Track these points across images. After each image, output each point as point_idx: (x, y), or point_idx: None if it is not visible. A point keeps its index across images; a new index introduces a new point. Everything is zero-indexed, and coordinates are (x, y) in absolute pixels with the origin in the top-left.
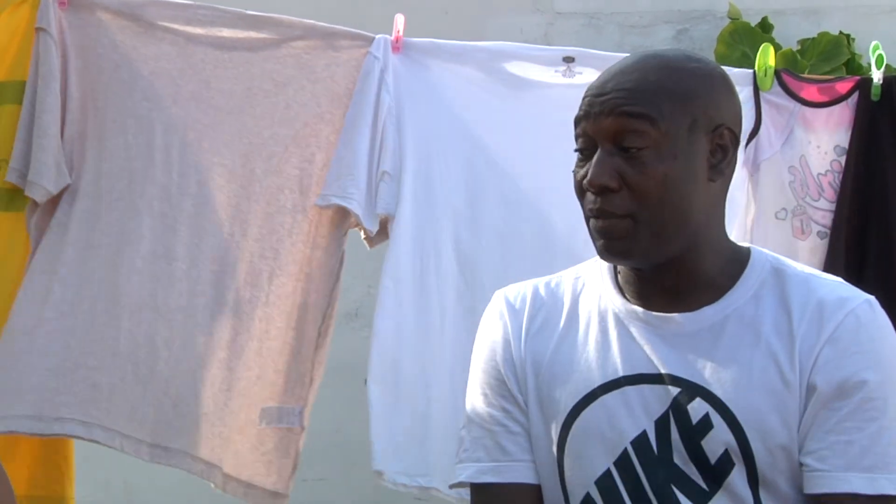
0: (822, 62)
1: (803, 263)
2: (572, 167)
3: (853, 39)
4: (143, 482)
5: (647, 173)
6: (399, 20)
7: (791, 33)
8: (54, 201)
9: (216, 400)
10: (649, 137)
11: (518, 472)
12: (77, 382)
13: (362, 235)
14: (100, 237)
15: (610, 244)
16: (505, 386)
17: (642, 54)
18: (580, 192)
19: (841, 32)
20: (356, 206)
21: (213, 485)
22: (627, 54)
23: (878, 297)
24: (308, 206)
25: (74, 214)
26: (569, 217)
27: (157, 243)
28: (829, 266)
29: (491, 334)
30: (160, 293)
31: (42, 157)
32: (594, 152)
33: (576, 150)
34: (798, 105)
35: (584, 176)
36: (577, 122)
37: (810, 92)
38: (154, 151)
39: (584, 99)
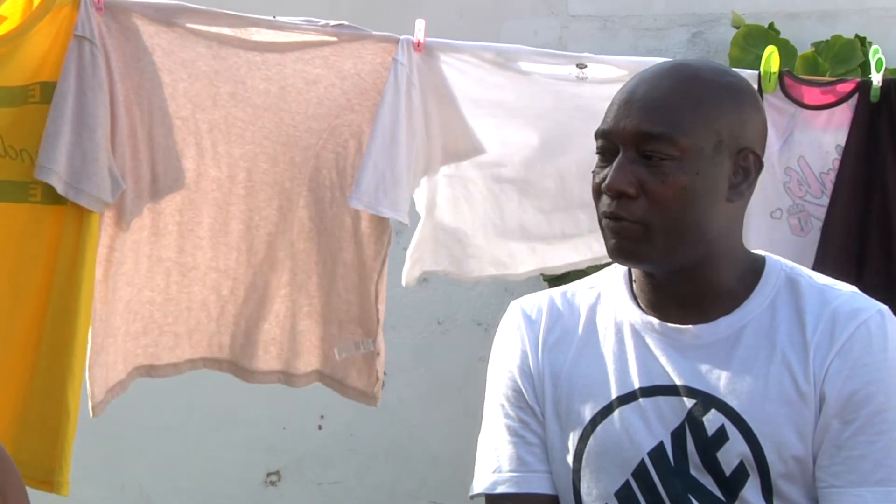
0: (836, 65)
1: (805, 260)
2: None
3: (868, 42)
4: (158, 486)
5: (668, 183)
6: (420, 25)
7: (806, 37)
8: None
9: (283, 326)
10: (674, 149)
11: (536, 483)
12: (162, 336)
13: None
14: (165, 226)
15: (622, 244)
16: (522, 397)
17: (676, 63)
18: (597, 194)
19: (856, 36)
20: (405, 218)
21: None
22: (639, 58)
23: (877, 292)
24: (345, 186)
25: (138, 215)
26: (587, 209)
27: (216, 222)
28: (820, 259)
29: (508, 345)
30: (221, 258)
31: (97, 171)
32: (615, 156)
33: (597, 153)
34: (798, 108)
35: (603, 179)
36: (603, 123)
37: (812, 94)
38: (203, 151)
39: (612, 103)
